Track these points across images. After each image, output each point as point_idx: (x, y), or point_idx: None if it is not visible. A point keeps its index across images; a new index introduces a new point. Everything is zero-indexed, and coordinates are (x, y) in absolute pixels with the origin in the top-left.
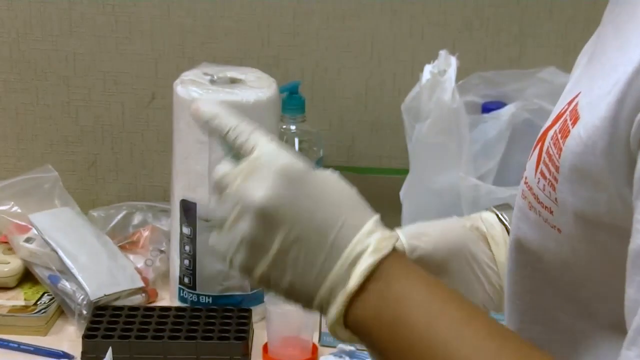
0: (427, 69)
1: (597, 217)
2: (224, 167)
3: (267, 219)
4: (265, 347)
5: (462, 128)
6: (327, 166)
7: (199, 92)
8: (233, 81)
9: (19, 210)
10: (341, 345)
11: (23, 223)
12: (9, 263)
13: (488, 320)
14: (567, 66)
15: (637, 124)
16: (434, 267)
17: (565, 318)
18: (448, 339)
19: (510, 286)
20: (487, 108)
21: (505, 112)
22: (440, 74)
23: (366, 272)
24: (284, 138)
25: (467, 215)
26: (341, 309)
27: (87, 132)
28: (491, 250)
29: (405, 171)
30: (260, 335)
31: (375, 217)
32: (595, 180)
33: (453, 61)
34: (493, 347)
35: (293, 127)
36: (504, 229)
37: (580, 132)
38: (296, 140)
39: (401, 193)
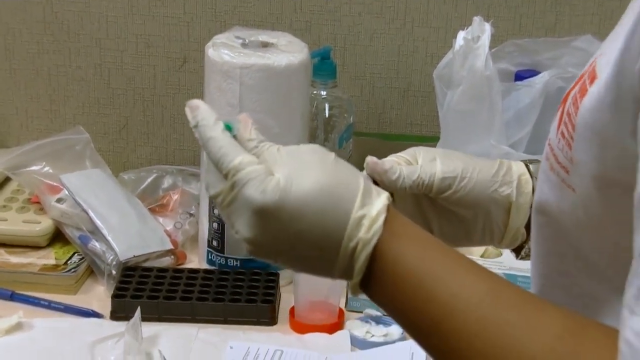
0: (461, 35)
1: (608, 174)
2: (213, 185)
3: (257, 249)
4: (292, 311)
5: (494, 95)
6: (357, 133)
7: (230, 55)
8: (264, 45)
9: (51, 171)
10: (368, 310)
11: (54, 183)
12: (40, 223)
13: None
14: (603, 35)
15: (639, 73)
16: (448, 203)
17: (585, 282)
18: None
19: (534, 248)
20: (521, 76)
21: (539, 80)
22: (474, 40)
23: (362, 269)
24: (315, 103)
25: (511, 164)
26: (350, 289)
27: (119, 94)
28: (509, 216)
29: (436, 139)
30: (287, 299)
31: (357, 201)
32: (605, 136)
33: (487, 28)
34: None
35: (324, 93)
36: (532, 196)
37: (594, 90)
38: (326, 106)
39: None
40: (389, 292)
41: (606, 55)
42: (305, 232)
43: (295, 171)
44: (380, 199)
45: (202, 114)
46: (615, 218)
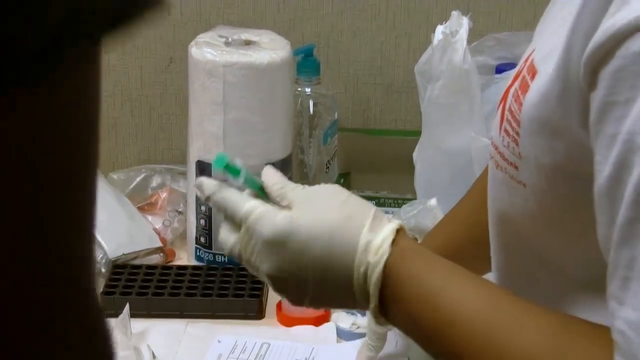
0: (439, 30)
1: (558, 166)
2: (227, 240)
3: (278, 282)
4: (279, 305)
5: (473, 88)
6: (342, 129)
7: (213, 53)
8: (247, 43)
9: None
10: None
11: None
12: None
13: (492, 284)
14: None
15: (584, 67)
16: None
17: (544, 279)
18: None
19: (494, 252)
20: (501, 70)
21: None
22: (452, 34)
23: (377, 292)
24: (299, 100)
25: None
26: (373, 319)
27: (107, 96)
28: None
29: (419, 133)
30: (274, 294)
31: (364, 230)
32: (553, 128)
33: (465, 21)
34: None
35: (308, 90)
36: None
37: (537, 84)
38: (311, 103)
39: (414, 154)
40: (402, 307)
41: (541, 51)
42: (317, 259)
43: (307, 207)
44: (389, 226)
45: (206, 185)
46: (568, 207)
